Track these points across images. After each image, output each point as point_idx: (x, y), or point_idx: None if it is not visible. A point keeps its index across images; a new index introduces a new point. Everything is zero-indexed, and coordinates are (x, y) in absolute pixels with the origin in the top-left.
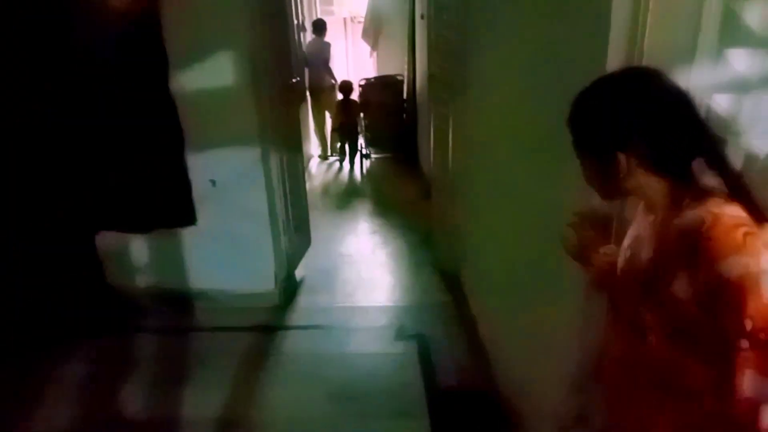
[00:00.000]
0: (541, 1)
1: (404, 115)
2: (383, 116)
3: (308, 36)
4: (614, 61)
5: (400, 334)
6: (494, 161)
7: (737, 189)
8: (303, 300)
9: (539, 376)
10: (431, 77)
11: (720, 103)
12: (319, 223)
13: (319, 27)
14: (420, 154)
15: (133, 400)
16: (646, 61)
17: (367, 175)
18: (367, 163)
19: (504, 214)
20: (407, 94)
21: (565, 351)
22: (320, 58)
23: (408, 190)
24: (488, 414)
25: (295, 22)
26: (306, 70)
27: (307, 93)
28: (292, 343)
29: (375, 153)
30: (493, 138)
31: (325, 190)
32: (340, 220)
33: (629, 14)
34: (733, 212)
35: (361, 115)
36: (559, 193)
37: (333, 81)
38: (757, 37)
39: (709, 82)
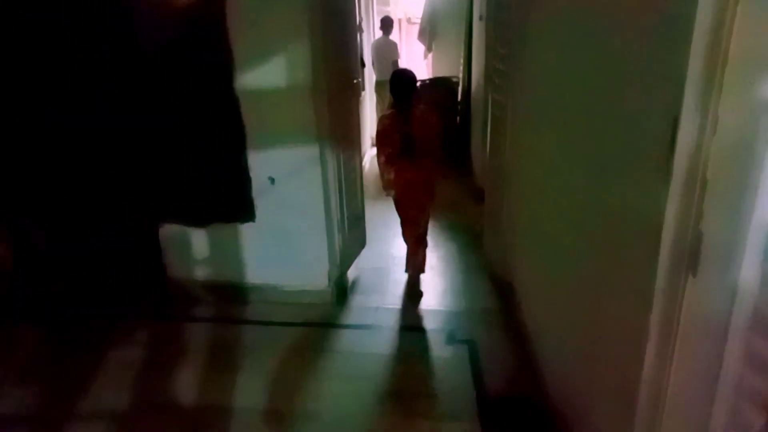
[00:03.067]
0: (611, 3)
1: (457, 117)
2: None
3: (366, 36)
4: (696, 64)
5: (451, 339)
6: (551, 165)
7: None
8: (355, 299)
9: (590, 386)
10: (488, 79)
11: None
12: (373, 223)
13: (387, 25)
14: (472, 157)
15: (183, 385)
16: (730, 66)
17: None
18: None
19: (560, 220)
20: (462, 96)
21: (617, 362)
22: (388, 56)
23: (459, 192)
24: (537, 422)
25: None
26: (373, 68)
27: (374, 91)
28: (342, 340)
29: None
30: (550, 142)
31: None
32: (392, 222)
33: (714, 16)
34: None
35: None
36: (623, 196)
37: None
38: None
39: None
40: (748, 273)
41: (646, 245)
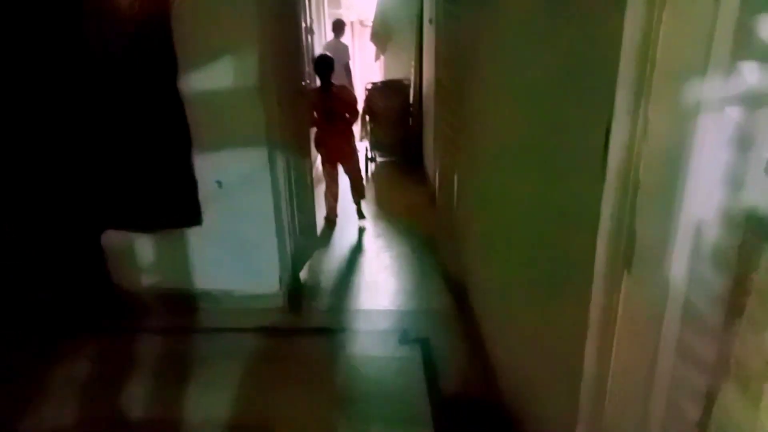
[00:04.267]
0: (553, 12)
1: (410, 120)
2: (389, 120)
3: (317, 38)
4: (626, 72)
5: (404, 338)
6: (500, 167)
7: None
8: (307, 303)
9: (542, 383)
10: (438, 82)
11: (732, 116)
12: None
13: (338, 27)
14: (425, 159)
15: (134, 399)
16: (658, 73)
17: (372, 179)
18: (372, 166)
19: (510, 220)
20: (414, 98)
21: (568, 358)
22: (339, 58)
23: (413, 195)
24: (491, 421)
25: (304, 24)
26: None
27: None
28: (295, 345)
29: (380, 157)
30: (499, 143)
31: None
32: (345, 224)
33: (641, 26)
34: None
35: (367, 118)
36: (565, 198)
37: (351, 83)
38: None
39: (722, 94)
40: (678, 269)
41: (586, 244)
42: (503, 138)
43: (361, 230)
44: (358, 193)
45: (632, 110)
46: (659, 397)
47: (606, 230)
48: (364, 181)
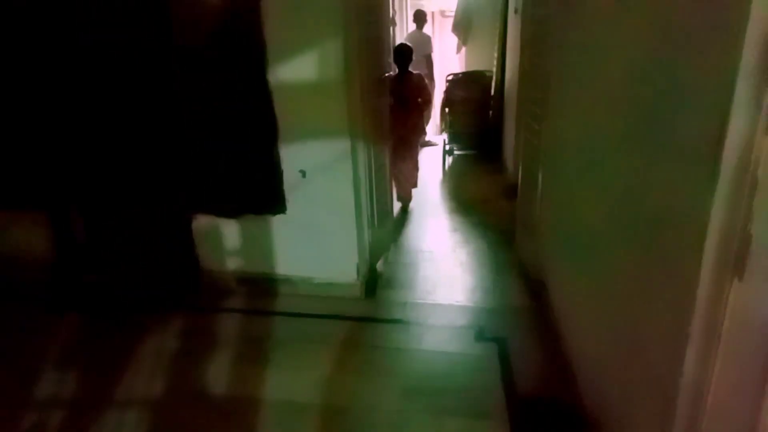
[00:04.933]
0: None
1: (490, 112)
2: (468, 112)
3: (399, 30)
4: (750, 58)
5: (480, 336)
6: (589, 161)
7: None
8: (383, 293)
9: (629, 389)
10: (523, 74)
11: None
12: (401, 217)
13: (420, 18)
14: (504, 152)
15: (216, 375)
16: None
17: (450, 172)
18: (449, 159)
19: (596, 218)
20: (495, 90)
21: (655, 366)
22: (421, 50)
23: (490, 189)
24: (568, 423)
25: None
26: None
27: None
28: (371, 334)
29: (458, 149)
30: (589, 135)
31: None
32: (421, 218)
33: None
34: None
35: (446, 110)
36: (665, 196)
37: (432, 75)
38: None
39: None
40: None
41: (690, 246)
42: (594, 130)
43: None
44: (411, 175)
45: (754, 101)
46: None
47: (716, 233)
48: (418, 173)
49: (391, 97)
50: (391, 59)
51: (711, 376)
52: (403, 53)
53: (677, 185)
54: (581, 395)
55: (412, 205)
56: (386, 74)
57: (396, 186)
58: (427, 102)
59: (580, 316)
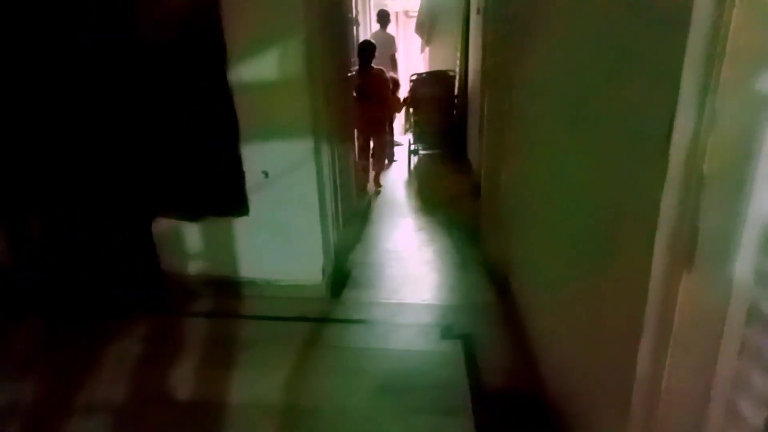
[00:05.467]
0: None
1: (454, 111)
2: (433, 112)
3: (363, 29)
4: (694, 57)
5: (446, 333)
6: (549, 159)
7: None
8: (350, 293)
9: (590, 380)
10: (485, 73)
11: None
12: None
13: (384, 18)
14: (469, 151)
15: (182, 379)
16: (728, 59)
17: (415, 172)
18: (414, 159)
19: (557, 214)
20: (458, 90)
21: (620, 356)
22: (385, 51)
23: (456, 187)
24: (533, 417)
25: (350, 15)
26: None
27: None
28: (338, 335)
29: (423, 149)
30: (549, 132)
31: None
32: (388, 217)
33: (712, 8)
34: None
35: (411, 110)
36: (620, 190)
37: (396, 75)
38: None
39: None
40: (743, 268)
41: (642, 239)
42: (553, 127)
43: (377, 193)
44: (377, 165)
45: (698, 99)
46: (718, 401)
47: (666, 226)
48: (387, 162)
49: (354, 92)
50: (354, 58)
51: (664, 366)
52: (365, 49)
53: (630, 180)
54: (546, 388)
55: (380, 197)
56: (350, 72)
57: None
58: (389, 95)
59: (543, 310)
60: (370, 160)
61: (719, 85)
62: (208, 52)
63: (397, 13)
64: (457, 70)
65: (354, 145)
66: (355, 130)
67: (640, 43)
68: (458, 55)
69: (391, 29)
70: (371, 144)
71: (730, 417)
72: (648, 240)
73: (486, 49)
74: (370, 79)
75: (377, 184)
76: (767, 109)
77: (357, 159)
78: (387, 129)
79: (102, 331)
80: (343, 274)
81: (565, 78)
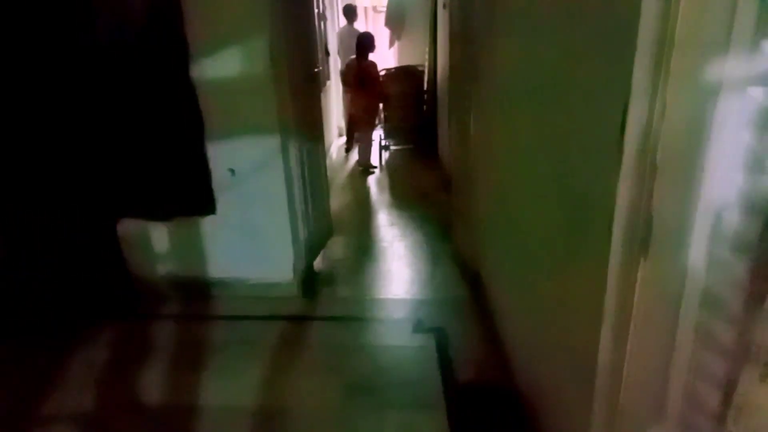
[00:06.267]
0: None
1: (424, 107)
2: (403, 107)
3: (330, 25)
4: (644, 49)
5: (418, 327)
6: (516, 150)
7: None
8: (321, 291)
9: (557, 370)
10: (452, 67)
11: (754, 96)
12: (340, 214)
13: (350, 13)
14: (439, 146)
15: (151, 384)
16: (677, 51)
17: (386, 167)
18: (386, 154)
19: (525, 206)
20: (428, 84)
21: (584, 346)
22: (352, 45)
23: (427, 182)
24: (505, 408)
25: (316, 10)
26: (339, 57)
27: (339, 80)
28: (309, 333)
29: (394, 144)
30: (514, 126)
31: (346, 181)
32: (360, 211)
33: (659, 6)
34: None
35: (380, 105)
36: (580, 182)
37: None
38: None
39: (744, 73)
40: (697, 255)
41: (602, 229)
42: (518, 120)
43: (371, 172)
44: (368, 148)
45: (650, 89)
46: (677, 385)
47: (622, 215)
48: (371, 153)
49: (352, 80)
50: (323, 55)
51: (624, 353)
52: (362, 42)
53: (589, 171)
54: (517, 381)
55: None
56: (317, 68)
57: (360, 155)
58: (380, 87)
59: (512, 303)
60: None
61: (669, 76)
62: (170, 49)
63: (366, 8)
64: (427, 64)
65: (323, 139)
66: (348, 115)
67: (595, 36)
68: (427, 49)
69: (359, 24)
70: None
71: (689, 400)
72: (607, 229)
73: (453, 43)
74: (366, 70)
75: (371, 165)
76: (715, 98)
77: (361, 140)
78: (373, 122)
79: (68, 338)
80: (315, 272)
81: (527, 71)
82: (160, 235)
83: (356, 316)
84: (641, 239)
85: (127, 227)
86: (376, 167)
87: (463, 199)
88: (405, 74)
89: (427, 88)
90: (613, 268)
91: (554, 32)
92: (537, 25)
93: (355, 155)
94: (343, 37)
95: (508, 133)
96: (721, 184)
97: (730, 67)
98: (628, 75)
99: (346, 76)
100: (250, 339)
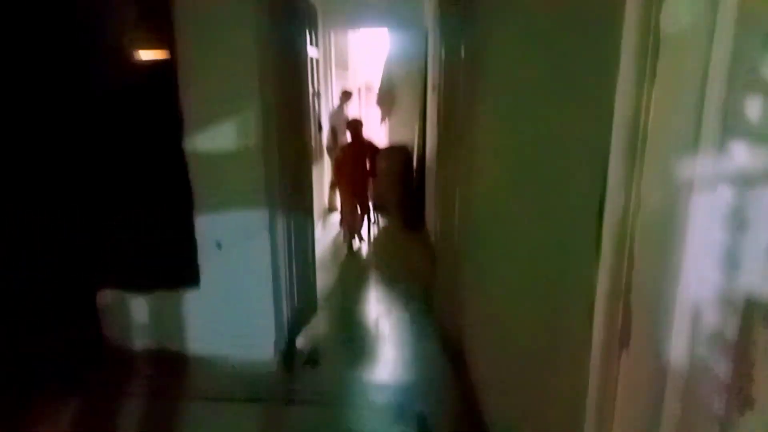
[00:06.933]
0: (547, 85)
1: (413, 183)
2: (392, 182)
3: (324, 101)
4: (618, 147)
5: (400, 414)
6: (498, 233)
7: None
8: (302, 371)
9: None
10: (439, 145)
11: (725, 195)
12: (326, 290)
13: (345, 97)
14: (427, 221)
15: None
16: (649, 147)
17: (374, 241)
18: (374, 229)
19: (507, 288)
20: (417, 161)
21: (571, 424)
22: (341, 125)
23: (413, 256)
24: None
25: (311, 89)
26: (328, 135)
27: (326, 156)
28: (287, 416)
29: (382, 217)
30: (496, 211)
31: (334, 254)
32: (347, 287)
33: (632, 101)
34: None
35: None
36: (559, 271)
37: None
38: (758, 131)
39: (713, 172)
40: (677, 351)
41: (582, 318)
42: (499, 205)
43: (359, 245)
44: (360, 223)
45: (624, 183)
46: None
47: (602, 305)
48: (360, 227)
49: (348, 158)
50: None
51: None
52: (356, 126)
53: (568, 261)
54: None
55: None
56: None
57: (345, 230)
58: (373, 166)
59: (496, 386)
60: (355, 217)
61: (643, 169)
62: (164, 120)
63: (359, 88)
64: (416, 142)
65: (312, 214)
66: (343, 193)
67: (573, 127)
68: (417, 127)
69: (352, 104)
70: (357, 205)
71: None
72: (587, 318)
73: (440, 123)
74: (362, 148)
75: (360, 237)
76: (688, 194)
77: (344, 217)
78: (366, 191)
79: (33, 413)
80: (297, 349)
81: (506, 155)
82: (139, 307)
83: (337, 400)
84: (622, 330)
85: (107, 296)
86: (363, 239)
87: (446, 276)
88: (394, 151)
89: (416, 164)
90: (596, 357)
91: (532, 121)
92: (517, 111)
93: (342, 228)
94: (334, 117)
95: (491, 215)
96: (699, 280)
97: (700, 165)
98: (604, 166)
99: (339, 158)
100: (224, 423)
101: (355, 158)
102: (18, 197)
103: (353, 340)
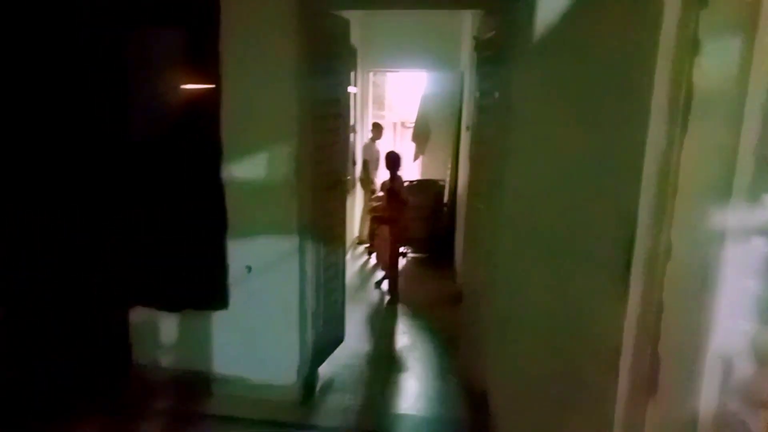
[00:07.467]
0: (577, 128)
1: (443, 219)
2: (421, 217)
3: (359, 137)
4: (647, 195)
5: None
6: (523, 278)
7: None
8: (323, 398)
9: None
10: (469, 185)
11: (759, 246)
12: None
13: (376, 131)
14: (455, 258)
15: None
16: (680, 195)
17: (402, 274)
18: (402, 261)
19: (532, 334)
20: (448, 197)
21: None
22: (375, 160)
23: (441, 293)
24: None
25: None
26: (360, 168)
27: (359, 187)
28: None
29: (412, 252)
30: (522, 255)
31: (362, 285)
32: (370, 317)
33: (662, 149)
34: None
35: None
36: (586, 316)
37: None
38: None
39: (747, 223)
40: (707, 402)
41: (608, 365)
42: (526, 248)
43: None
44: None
45: (653, 232)
46: None
47: (629, 353)
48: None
49: (385, 193)
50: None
51: None
52: (392, 160)
53: (595, 307)
54: None
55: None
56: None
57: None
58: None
59: (518, 427)
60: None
61: (673, 219)
62: (205, 150)
63: (394, 124)
64: (448, 179)
65: (345, 245)
66: (381, 229)
67: (603, 175)
68: (449, 165)
69: (386, 139)
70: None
71: None
72: (613, 365)
73: (471, 162)
74: (397, 183)
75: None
76: (719, 244)
77: (379, 254)
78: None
79: (60, 430)
80: (319, 377)
81: (536, 202)
82: (168, 326)
83: (355, 428)
84: (649, 379)
85: (138, 315)
86: (396, 296)
87: (471, 315)
88: (425, 187)
89: (447, 201)
90: (621, 405)
91: (562, 166)
92: (547, 156)
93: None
94: (366, 151)
95: (516, 259)
96: (731, 330)
97: (733, 215)
98: (633, 214)
99: (383, 199)
100: None
101: (393, 192)
102: (58, 216)
103: (375, 372)
